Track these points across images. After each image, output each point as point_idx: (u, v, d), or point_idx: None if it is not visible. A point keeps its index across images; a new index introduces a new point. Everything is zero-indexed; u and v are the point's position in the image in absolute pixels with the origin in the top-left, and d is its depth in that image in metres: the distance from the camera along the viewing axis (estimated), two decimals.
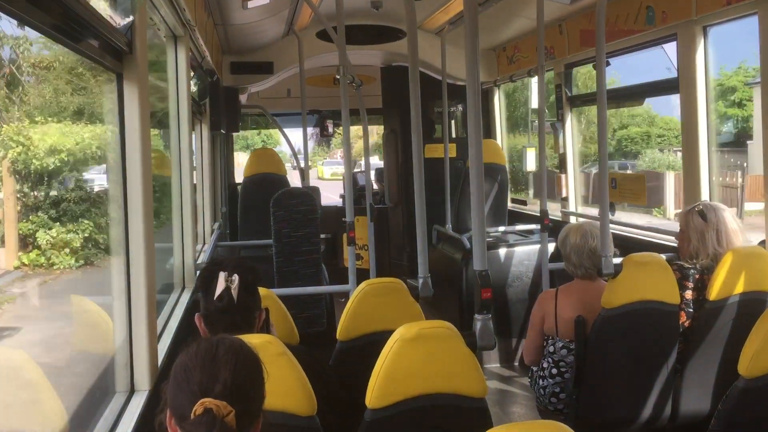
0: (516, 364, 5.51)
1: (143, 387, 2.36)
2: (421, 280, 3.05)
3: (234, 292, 2.10)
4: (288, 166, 7.08)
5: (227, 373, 1.39)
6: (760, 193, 4.06)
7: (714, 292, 3.07)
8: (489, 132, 7.24)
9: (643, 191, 4.69)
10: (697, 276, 3.23)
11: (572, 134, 5.73)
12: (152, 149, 2.56)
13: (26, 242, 3.51)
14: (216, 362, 1.40)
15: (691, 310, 3.19)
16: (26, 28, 1.90)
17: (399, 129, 8.13)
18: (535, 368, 3.41)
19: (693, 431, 3.18)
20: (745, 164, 16.21)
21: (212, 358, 1.41)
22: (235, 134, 8.34)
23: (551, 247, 5.02)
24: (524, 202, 6.99)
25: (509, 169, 6.82)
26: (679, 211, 3.54)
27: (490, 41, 6.65)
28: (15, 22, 1.66)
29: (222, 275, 2.11)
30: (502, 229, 6.00)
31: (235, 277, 2.11)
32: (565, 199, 5.76)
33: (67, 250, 3.52)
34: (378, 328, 2.75)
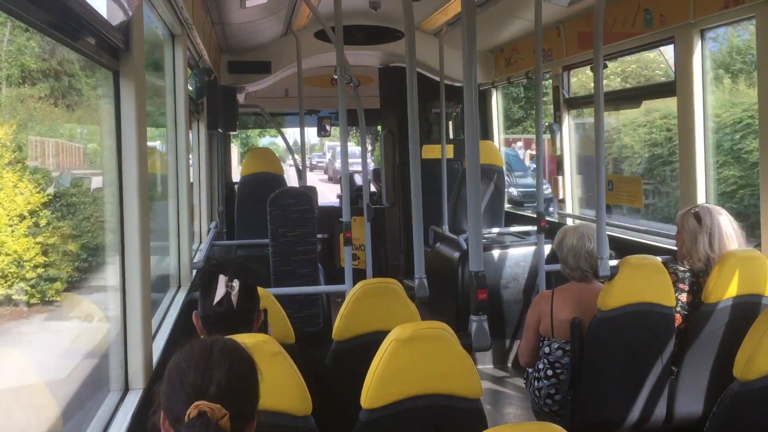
0: (509, 365, 5.51)
1: (138, 386, 2.36)
2: (417, 281, 3.05)
3: (234, 298, 2.09)
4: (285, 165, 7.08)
5: (221, 375, 1.38)
6: None
7: (710, 295, 3.08)
8: (486, 133, 7.25)
9: (639, 193, 4.69)
10: (692, 279, 3.24)
11: (569, 136, 5.73)
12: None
13: None
14: (210, 364, 1.39)
15: (686, 312, 3.20)
16: None
17: (396, 130, 8.14)
18: (530, 369, 3.41)
19: None
20: None
21: (206, 360, 1.40)
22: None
23: (547, 248, 5.03)
24: (521, 204, 6.99)
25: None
26: None
27: (488, 43, 6.66)
28: None
29: (222, 279, 2.09)
30: (496, 230, 6.00)
31: (236, 283, 2.10)
32: (562, 201, 5.77)
33: None
34: (374, 328, 2.74)
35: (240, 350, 1.46)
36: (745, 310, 3.07)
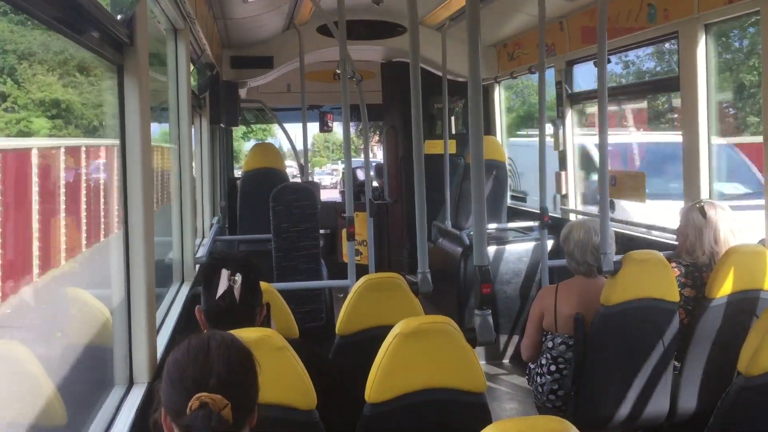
0: (505, 361, 5.50)
1: (142, 380, 2.36)
2: (420, 276, 3.05)
3: (236, 292, 2.09)
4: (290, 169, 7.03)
5: (221, 367, 1.39)
6: None
7: (713, 290, 3.07)
8: (489, 129, 7.24)
9: (643, 188, 4.68)
10: (695, 273, 3.23)
11: (572, 131, 5.72)
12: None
13: None
14: (209, 357, 1.40)
15: (690, 307, 3.20)
16: None
17: (399, 125, 8.14)
18: (532, 365, 3.41)
19: (691, 428, 3.19)
20: None
21: (205, 353, 1.41)
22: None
23: (550, 244, 5.02)
24: (524, 199, 6.99)
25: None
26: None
27: (490, 37, 6.64)
28: None
29: (225, 274, 2.09)
30: (493, 226, 5.98)
31: (238, 277, 2.10)
32: (565, 197, 5.76)
33: None
34: (377, 323, 2.75)
35: (237, 343, 1.47)
36: (749, 305, 3.07)
